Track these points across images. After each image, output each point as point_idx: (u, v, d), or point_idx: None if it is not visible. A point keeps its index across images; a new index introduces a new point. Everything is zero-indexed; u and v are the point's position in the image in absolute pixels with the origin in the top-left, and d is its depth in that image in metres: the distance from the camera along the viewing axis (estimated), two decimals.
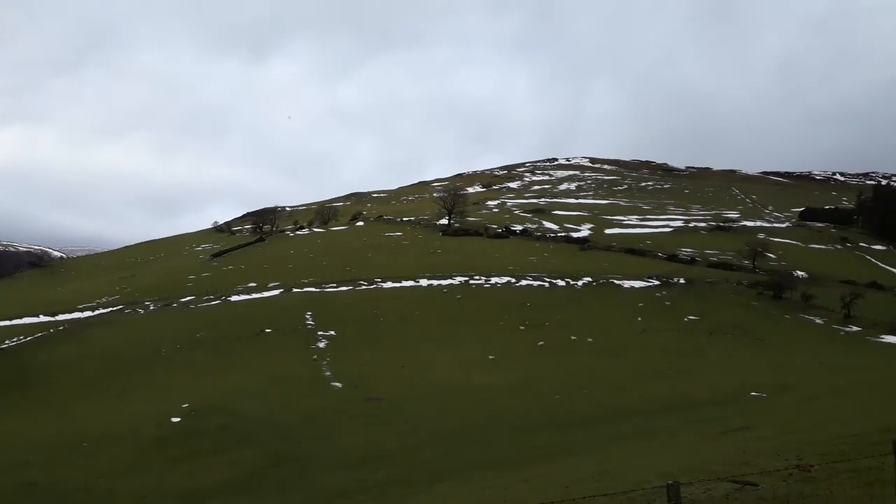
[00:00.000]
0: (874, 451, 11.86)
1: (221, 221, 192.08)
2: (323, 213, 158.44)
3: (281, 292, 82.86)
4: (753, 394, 42.79)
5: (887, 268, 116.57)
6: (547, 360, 55.81)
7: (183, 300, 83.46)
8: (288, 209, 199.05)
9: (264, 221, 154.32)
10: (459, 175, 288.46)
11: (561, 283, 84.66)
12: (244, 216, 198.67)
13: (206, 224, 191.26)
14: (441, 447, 33.59)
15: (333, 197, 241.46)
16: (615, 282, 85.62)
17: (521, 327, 67.12)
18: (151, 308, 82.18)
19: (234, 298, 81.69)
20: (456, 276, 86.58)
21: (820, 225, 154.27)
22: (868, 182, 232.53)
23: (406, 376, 50.55)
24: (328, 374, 51.80)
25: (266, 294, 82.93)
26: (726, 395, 42.19)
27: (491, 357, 56.63)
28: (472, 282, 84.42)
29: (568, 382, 47.73)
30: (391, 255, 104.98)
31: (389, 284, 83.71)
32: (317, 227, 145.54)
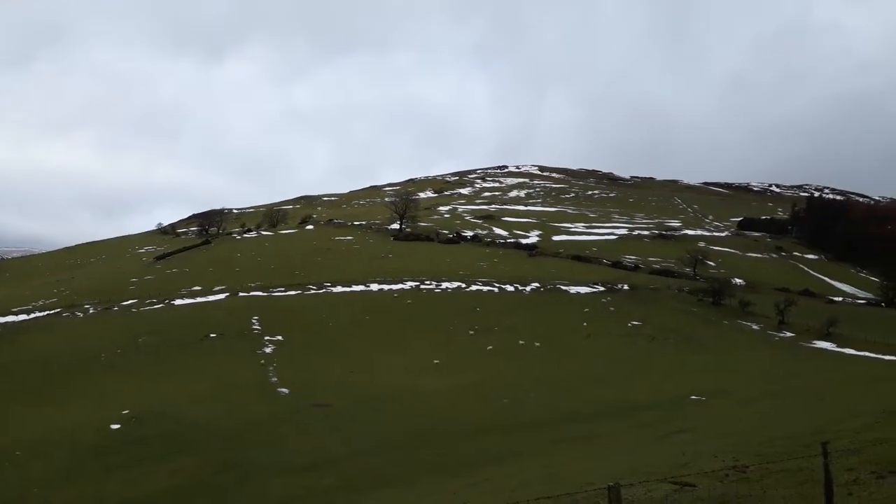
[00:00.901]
0: (805, 452, 12.48)
1: (167, 223, 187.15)
2: (272, 215, 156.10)
3: (227, 296, 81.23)
4: (693, 397, 44.16)
5: (819, 276, 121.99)
6: (496, 364, 56.32)
7: (124, 304, 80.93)
8: (235, 211, 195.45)
9: (210, 224, 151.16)
10: (412, 180, 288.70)
11: (510, 288, 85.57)
12: (190, 218, 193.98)
13: (153, 226, 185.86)
14: (389, 453, 33.54)
15: (283, 200, 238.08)
16: (562, 287, 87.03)
17: (471, 332, 67.55)
18: (91, 312, 79.40)
19: (178, 302, 79.66)
20: (407, 280, 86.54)
21: (757, 234, 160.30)
22: (802, 194, 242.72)
23: (355, 382, 50.23)
24: (275, 379, 51.03)
25: (211, 298, 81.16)
26: (667, 399, 43.42)
27: (440, 362, 56.80)
28: (422, 287, 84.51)
29: (516, 387, 48.28)
30: (341, 259, 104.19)
31: (339, 289, 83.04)
32: (265, 230, 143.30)
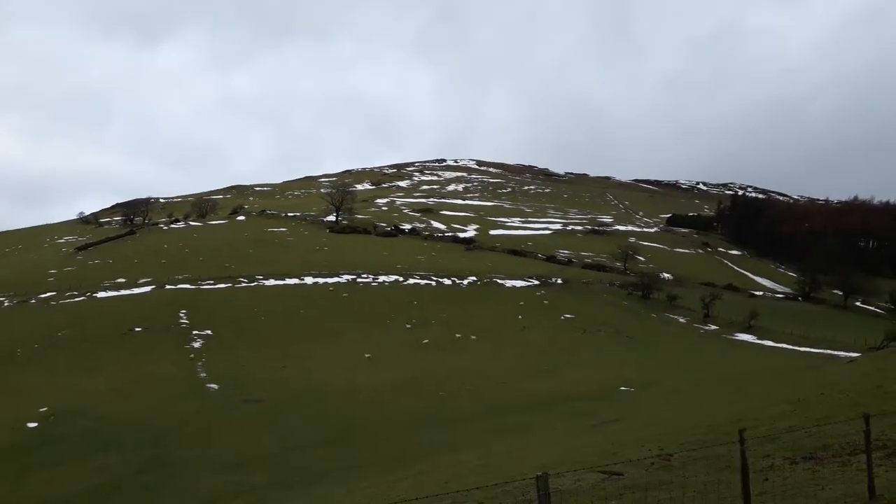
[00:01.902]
0: (725, 440, 12.99)
1: (89, 213, 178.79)
2: (201, 205, 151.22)
3: (153, 289, 78.40)
4: (622, 388, 45.55)
5: (742, 271, 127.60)
6: (432, 357, 56.49)
7: (42, 296, 76.96)
8: (162, 201, 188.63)
9: (136, 213, 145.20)
10: (348, 172, 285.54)
11: (447, 281, 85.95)
12: (114, 207, 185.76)
13: (75, 215, 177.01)
14: (323, 448, 33.18)
15: (213, 189, 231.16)
16: (498, 281, 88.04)
17: (408, 325, 67.50)
18: (6, 305, 75.16)
19: (100, 295, 76.34)
20: (343, 273, 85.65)
21: (684, 230, 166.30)
22: (727, 192, 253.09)
23: (288, 377, 49.42)
24: (203, 375, 49.65)
25: (136, 290, 78.15)
26: (598, 390, 44.63)
27: (377, 356, 56.54)
28: (359, 280, 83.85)
29: (452, 379, 48.57)
30: (274, 251, 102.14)
31: (272, 282, 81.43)
32: (193, 221, 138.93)
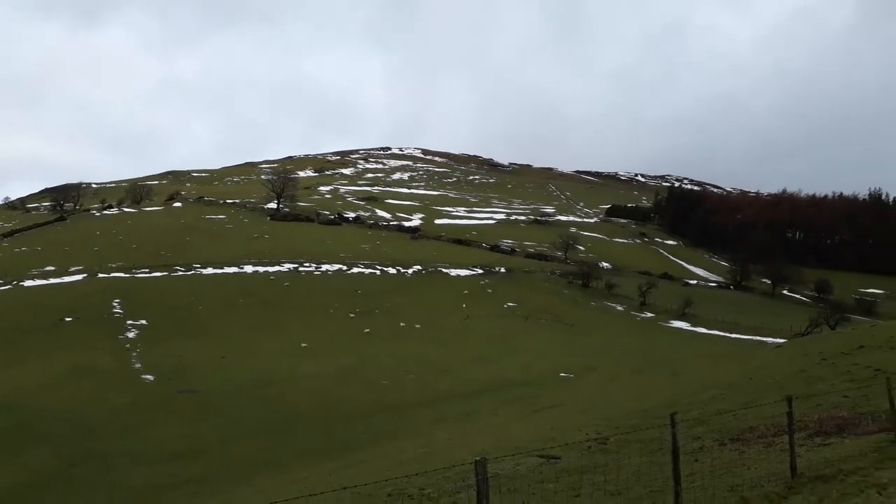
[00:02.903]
0: (659, 423, 13.47)
1: (15, 198, 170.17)
2: (135, 191, 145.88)
3: (84, 277, 75.43)
4: (562, 374, 46.54)
5: (677, 261, 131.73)
6: (376, 346, 56.34)
7: None
8: (94, 186, 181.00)
9: (66, 199, 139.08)
10: (290, 158, 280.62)
11: (392, 270, 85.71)
12: (42, 192, 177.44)
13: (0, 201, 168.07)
14: (264, 438, 32.76)
15: (148, 175, 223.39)
16: (443, 270, 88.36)
17: (352, 315, 67.08)
18: None
19: (27, 284, 72.97)
20: (284, 262, 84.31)
21: (623, 221, 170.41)
22: (664, 184, 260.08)
23: (227, 367, 48.44)
24: (138, 365, 48.17)
25: (67, 279, 75.02)
26: (539, 376, 45.48)
27: (319, 345, 55.99)
28: (301, 269, 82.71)
29: (396, 368, 48.60)
30: (213, 239, 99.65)
31: (210, 270, 79.48)
32: (128, 207, 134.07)
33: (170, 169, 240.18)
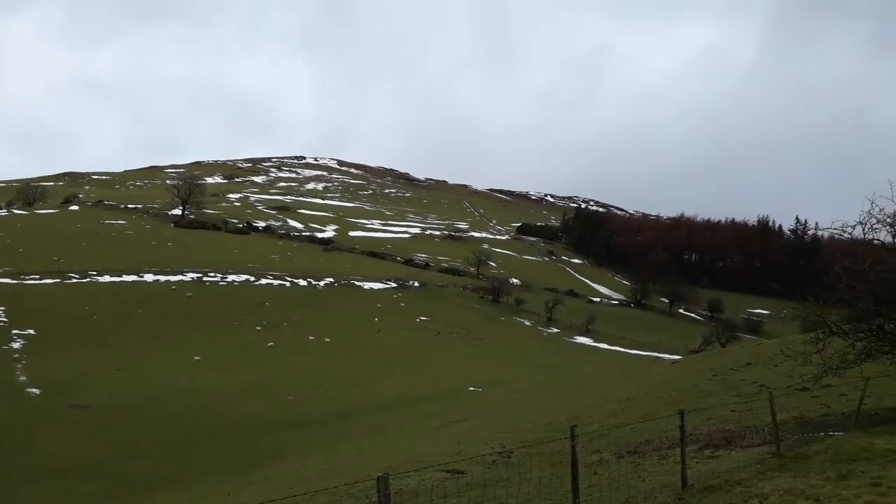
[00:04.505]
0: (561, 436, 13.85)
1: None
2: (28, 192, 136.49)
3: None
4: (471, 388, 47.02)
5: (582, 279, 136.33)
6: (284, 360, 54.99)
7: None
8: None
9: None
10: (199, 163, 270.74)
11: (303, 282, 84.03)
12: None
13: None
14: (162, 455, 31.23)
15: (43, 175, 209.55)
16: (356, 283, 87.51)
17: (258, 328, 65.20)
18: None
19: None
20: (188, 272, 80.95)
21: (532, 239, 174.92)
22: (571, 205, 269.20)
23: (123, 380, 45.91)
24: (23, 378, 44.86)
25: None
26: (448, 391, 45.75)
27: (223, 358, 54.04)
28: (206, 279, 79.69)
29: (303, 382, 47.58)
30: (112, 245, 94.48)
31: (107, 278, 75.21)
32: (18, 209, 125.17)
33: (68, 170, 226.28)
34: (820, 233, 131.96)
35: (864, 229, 13.45)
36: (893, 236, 13.43)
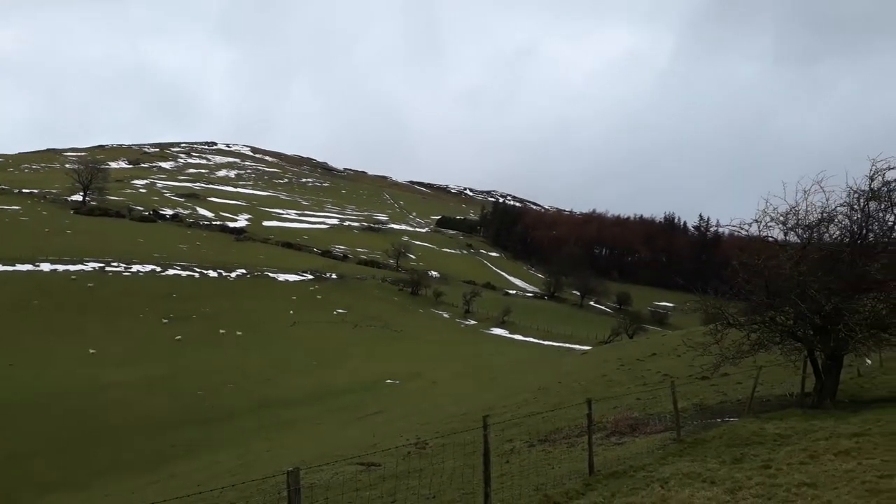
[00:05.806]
0: (475, 426, 14.02)
1: None
2: None
3: None
4: (388, 381, 46.91)
5: (499, 272, 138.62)
6: (192, 354, 53.01)
7: None
8: None
9: None
10: (102, 147, 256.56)
11: (213, 273, 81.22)
12: None
13: None
14: (58, 454, 29.46)
15: None
16: (270, 275, 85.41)
17: (165, 320, 62.57)
18: None
19: None
20: (89, 261, 76.63)
21: (452, 232, 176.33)
22: (490, 199, 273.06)
23: (16, 375, 42.96)
24: None
25: None
26: (365, 383, 45.47)
27: (127, 352, 51.53)
28: (108, 269, 75.69)
29: (213, 377, 46.05)
30: (3, 232, 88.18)
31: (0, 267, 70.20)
32: None
33: None
34: (721, 230, 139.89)
35: (759, 227, 14.29)
36: (785, 233, 14.34)
